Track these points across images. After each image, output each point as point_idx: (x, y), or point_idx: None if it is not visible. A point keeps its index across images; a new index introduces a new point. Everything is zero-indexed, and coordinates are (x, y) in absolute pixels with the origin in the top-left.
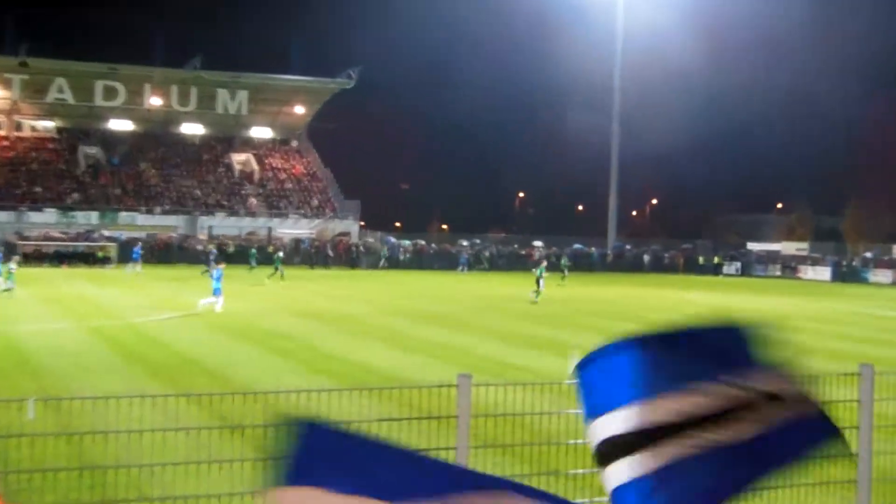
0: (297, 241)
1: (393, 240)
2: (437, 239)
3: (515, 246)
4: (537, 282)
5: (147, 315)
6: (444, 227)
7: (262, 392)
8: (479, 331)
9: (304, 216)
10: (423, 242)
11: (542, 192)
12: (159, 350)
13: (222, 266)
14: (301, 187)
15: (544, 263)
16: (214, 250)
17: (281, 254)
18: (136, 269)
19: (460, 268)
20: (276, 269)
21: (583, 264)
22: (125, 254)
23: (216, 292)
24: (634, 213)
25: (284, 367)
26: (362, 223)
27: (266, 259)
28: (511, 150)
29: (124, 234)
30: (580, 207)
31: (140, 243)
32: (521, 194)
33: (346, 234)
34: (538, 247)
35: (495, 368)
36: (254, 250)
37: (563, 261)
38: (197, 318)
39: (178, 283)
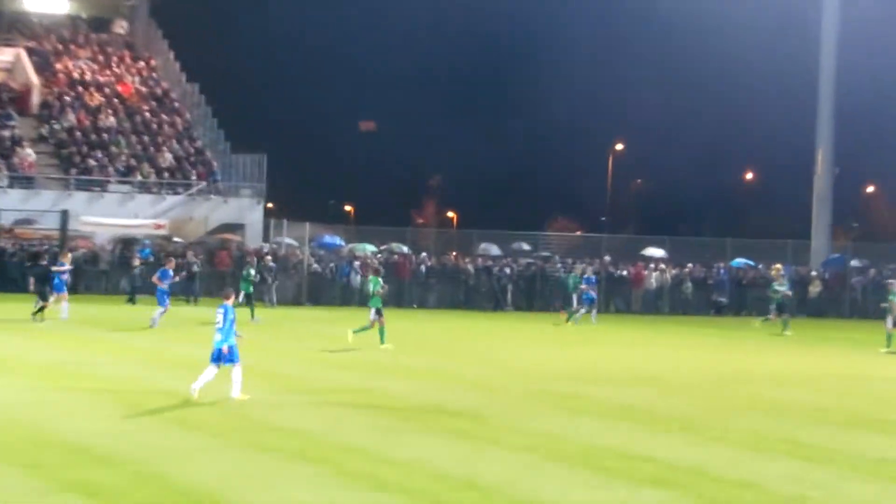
0: (127, 244)
1: (337, 241)
2: (439, 242)
3: (607, 259)
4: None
5: None
6: (451, 214)
7: None
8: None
9: (144, 189)
10: (404, 249)
11: (662, 146)
12: None
13: (230, 300)
14: (137, 125)
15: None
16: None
17: None
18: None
19: (575, 311)
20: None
21: (755, 298)
22: None
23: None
24: (869, 190)
25: None
26: (270, 205)
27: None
28: (597, 60)
29: None
30: (748, 177)
31: (69, 256)
32: (618, 147)
33: (237, 228)
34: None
35: None
36: (250, 270)
37: (776, 288)
38: None
39: None
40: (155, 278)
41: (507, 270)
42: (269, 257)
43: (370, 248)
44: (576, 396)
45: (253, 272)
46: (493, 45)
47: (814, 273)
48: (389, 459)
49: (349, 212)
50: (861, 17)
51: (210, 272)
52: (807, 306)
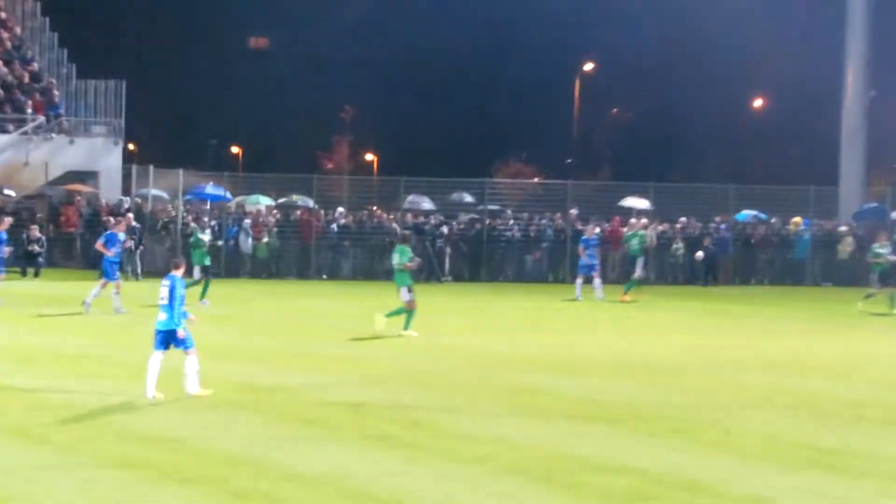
0: None
1: (221, 193)
2: (354, 194)
3: (573, 213)
4: None
5: None
6: (370, 157)
7: None
8: None
9: None
10: (309, 203)
11: (645, 66)
12: None
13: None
14: None
15: None
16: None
17: None
18: None
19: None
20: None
21: (766, 261)
22: None
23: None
24: None
25: None
26: (132, 147)
27: None
28: None
29: None
30: (758, 105)
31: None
32: (587, 67)
33: (88, 177)
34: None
35: None
36: (200, 235)
37: (878, 251)
38: None
39: None
40: (99, 244)
41: (445, 229)
42: (130, 215)
43: (265, 201)
44: (537, 391)
45: (204, 237)
46: None
47: (843, 228)
48: (292, 475)
49: (236, 155)
50: None
51: (54, 235)
52: (834, 272)
